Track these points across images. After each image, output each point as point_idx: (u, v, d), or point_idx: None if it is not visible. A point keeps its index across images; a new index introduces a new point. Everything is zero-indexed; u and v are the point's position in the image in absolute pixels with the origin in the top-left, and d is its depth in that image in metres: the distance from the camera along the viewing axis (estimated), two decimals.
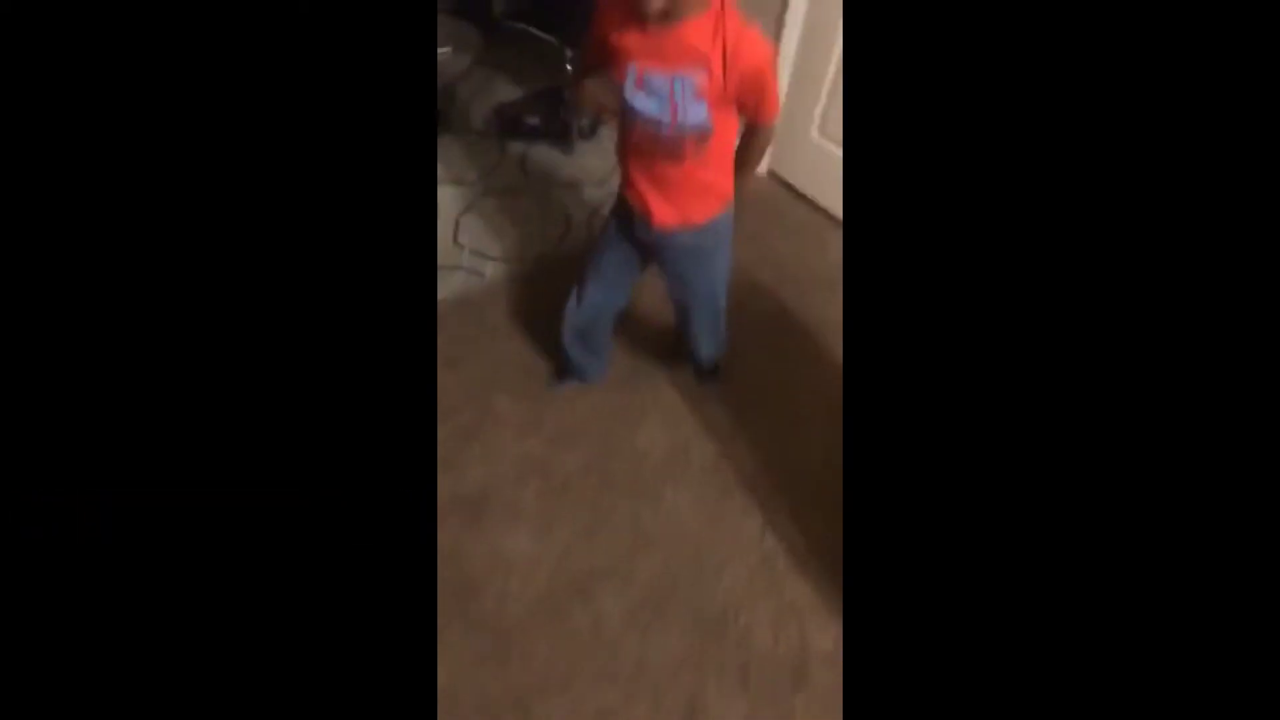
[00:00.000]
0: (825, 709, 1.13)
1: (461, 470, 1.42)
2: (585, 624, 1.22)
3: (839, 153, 1.93)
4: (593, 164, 2.22)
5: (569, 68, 2.17)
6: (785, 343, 1.71)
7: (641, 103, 0.98)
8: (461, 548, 1.30)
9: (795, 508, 1.40)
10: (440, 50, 1.97)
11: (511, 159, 2.22)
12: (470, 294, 1.80)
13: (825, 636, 1.21)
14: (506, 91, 2.43)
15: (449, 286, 1.81)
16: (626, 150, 1.11)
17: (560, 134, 2.26)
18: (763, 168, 2.16)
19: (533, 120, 2.28)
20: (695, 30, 0.92)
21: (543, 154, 2.24)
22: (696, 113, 0.97)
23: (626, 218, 1.20)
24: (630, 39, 0.96)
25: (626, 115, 1.03)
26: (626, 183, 1.16)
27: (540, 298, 1.77)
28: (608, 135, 2.31)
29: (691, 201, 1.12)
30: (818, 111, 1.94)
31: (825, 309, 1.76)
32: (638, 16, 0.93)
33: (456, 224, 1.99)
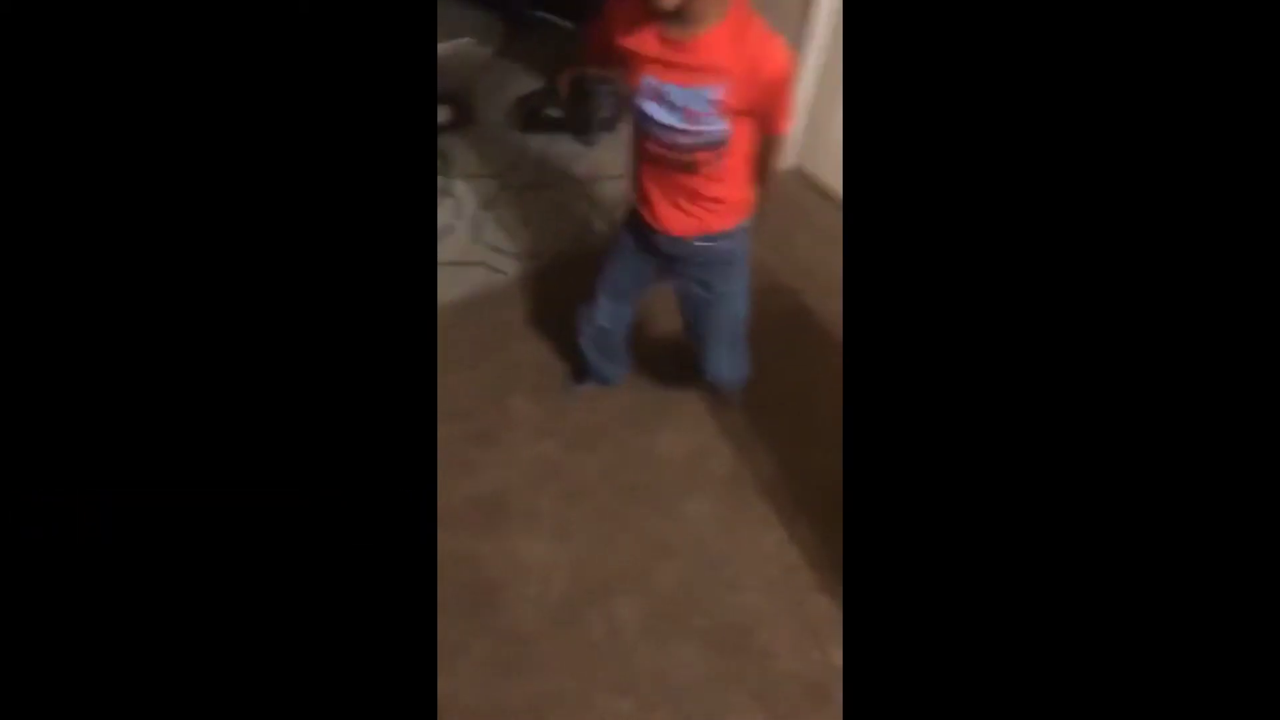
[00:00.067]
0: None
1: (478, 473, 1.41)
2: (602, 634, 1.21)
3: None
4: (614, 157, 2.18)
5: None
6: (808, 347, 1.67)
7: (657, 113, 0.95)
8: (477, 552, 1.29)
9: (816, 519, 1.37)
10: (461, 41, 1.93)
11: (532, 152, 2.19)
12: (489, 291, 1.78)
13: None
14: (528, 83, 2.39)
15: (467, 284, 1.79)
16: (640, 160, 1.07)
17: (582, 126, 2.22)
18: (790, 162, 2.10)
19: (554, 112, 2.25)
20: (714, 40, 0.88)
21: (564, 147, 2.21)
22: (714, 124, 0.94)
23: (638, 228, 1.16)
24: (645, 47, 0.92)
25: (640, 125, 0.99)
26: (639, 192, 1.12)
27: (560, 296, 1.74)
28: (629, 127, 2.26)
29: (706, 212, 1.08)
30: None
31: None
32: (652, 20, 0.89)
33: (476, 219, 1.96)
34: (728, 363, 1.33)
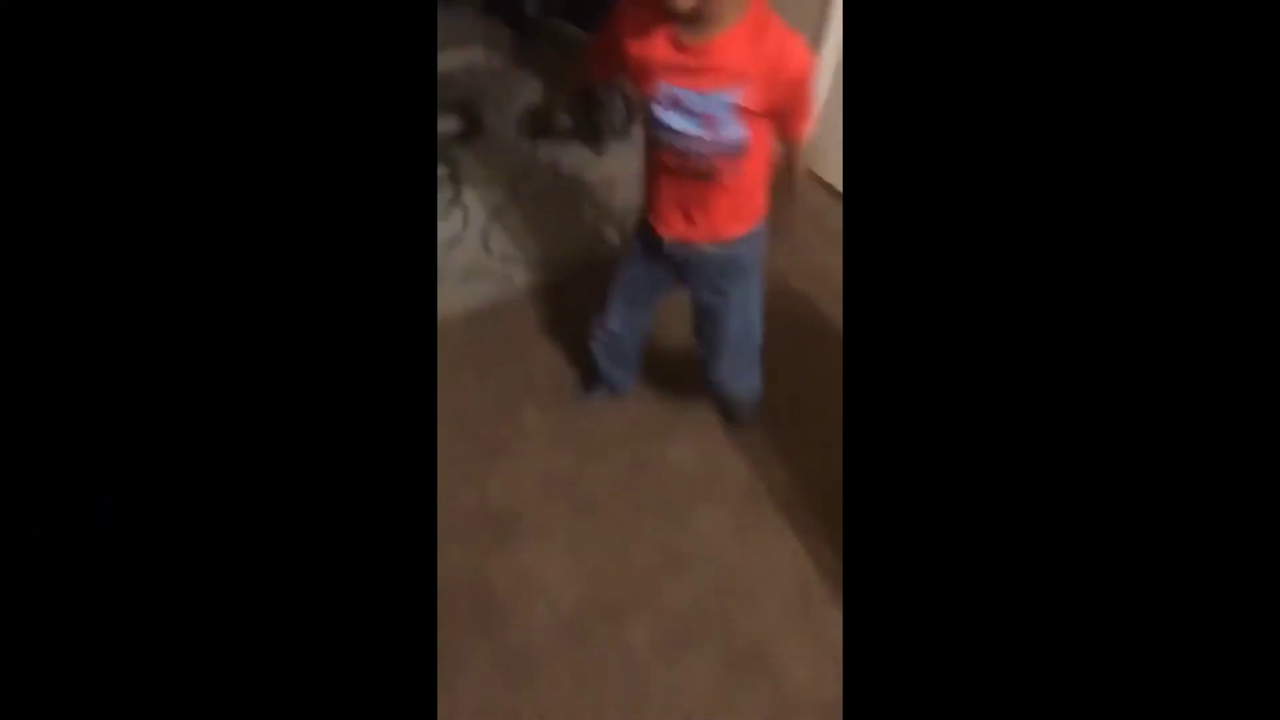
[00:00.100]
0: None
1: (488, 486, 1.40)
2: (613, 652, 1.19)
3: None
4: (625, 165, 2.16)
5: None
6: (822, 353, 1.64)
7: (674, 122, 0.92)
8: (488, 567, 1.28)
9: (833, 533, 1.34)
10: (471, 50, 1.93)
11: (542, 161, 2.18)
12: (500, 302, 1.77)
13: None
14: (537, 91, 2.38)
15: (478, 294, 1.78)
16: (653, 169, 1.05)
17: (592, 134, 2.21)
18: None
19: (564, 121, 2.24)
20: (731, 42, 0.85)
21: (575, 155, 2.20)
22: (733, 131, 0.91)
23: (648, 235, 1.14)
24: (658, 53, 0.89)
25: (655, 134, 0.97)
26: (650, 201, 1.10)
27: (572, 305, 1.73)
28: (640, 135, 2.25)
29: (720, 219, 1.05)
30: None
31: None
32: (665, 24, 0.86)
33: (486, 229, 1.96)
34: (739, 375, 1.29)
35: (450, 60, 1.95)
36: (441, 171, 2.10)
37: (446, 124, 2.17)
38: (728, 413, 1.46)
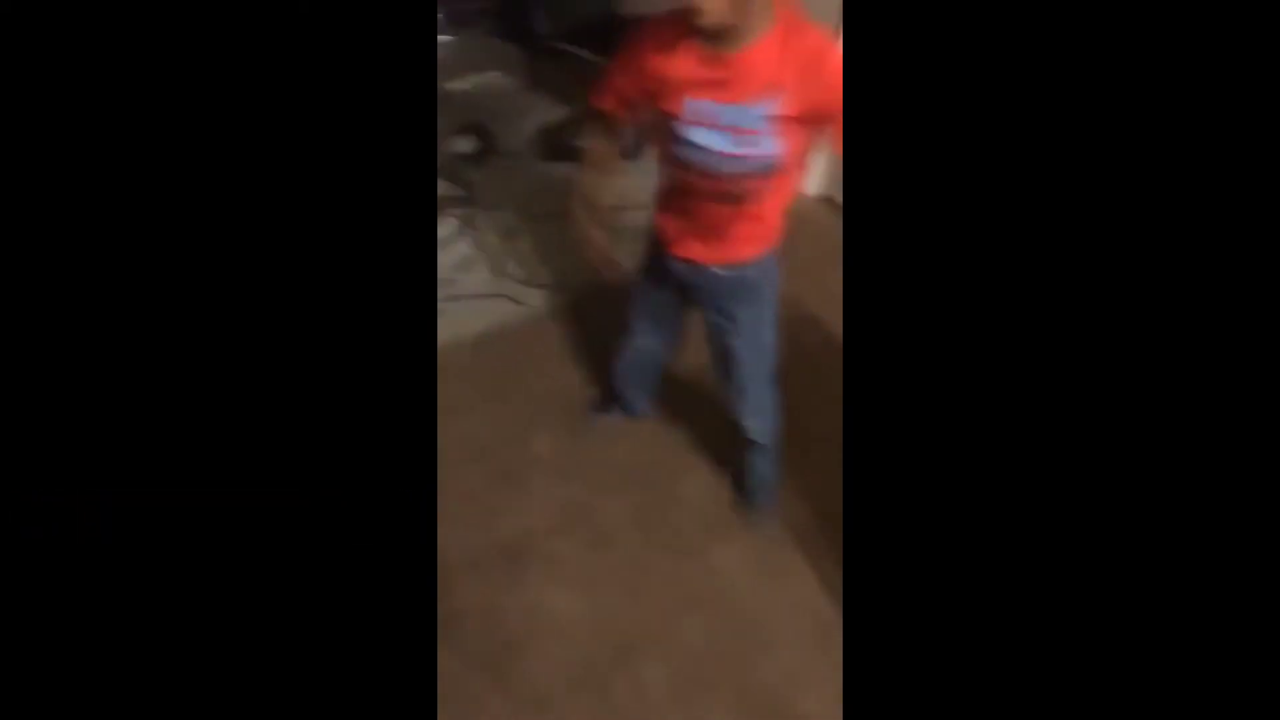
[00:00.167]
0: None
1: (499, 518, 1.36)
2: (627, 695, 1.15)
3: None
4: (639, 186, 2.15)
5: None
6: (840, 383, 1.60)
7: (705, 140, 0.88)
8: (499, 604, 1.24)
9: None
10: (485, 73, 1.93)
11: (556, 182, 2.17)
12: (513, 324, 1.75)
13: None
14: (551, 113, 2.38)
15: (491, 316, 1.77)
16: (674, 191, 1.02)
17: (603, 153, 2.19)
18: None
19: (578, 142, 2.23)
20: (763, 51, 0.82)
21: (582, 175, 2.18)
22: (768, 145, 0.87)
23: (657, 256, 1.12)
24: (687, 70, 0.86)
25: (681, 155, 0.93)
26: (665, 222, 1.07)
27: (586, 328, 1.71)
28: (653, 156, 2.24)
29: (736, 242, 1.02)
30: None
31: None
32: (691, 40, 0.83)
33: (500, 250, 1.95)
34: (754, 403, 1.24)
35: (464, 83, 1.95)
36: (455, 193, 2.09)
37: (460, 145, 2.17)
38: (745, 491, 1.39)
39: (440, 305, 1.77)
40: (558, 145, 2.23)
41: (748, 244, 1.03)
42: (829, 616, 1.24)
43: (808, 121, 0.87)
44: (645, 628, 1.22)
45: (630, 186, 2.15)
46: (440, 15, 2.00)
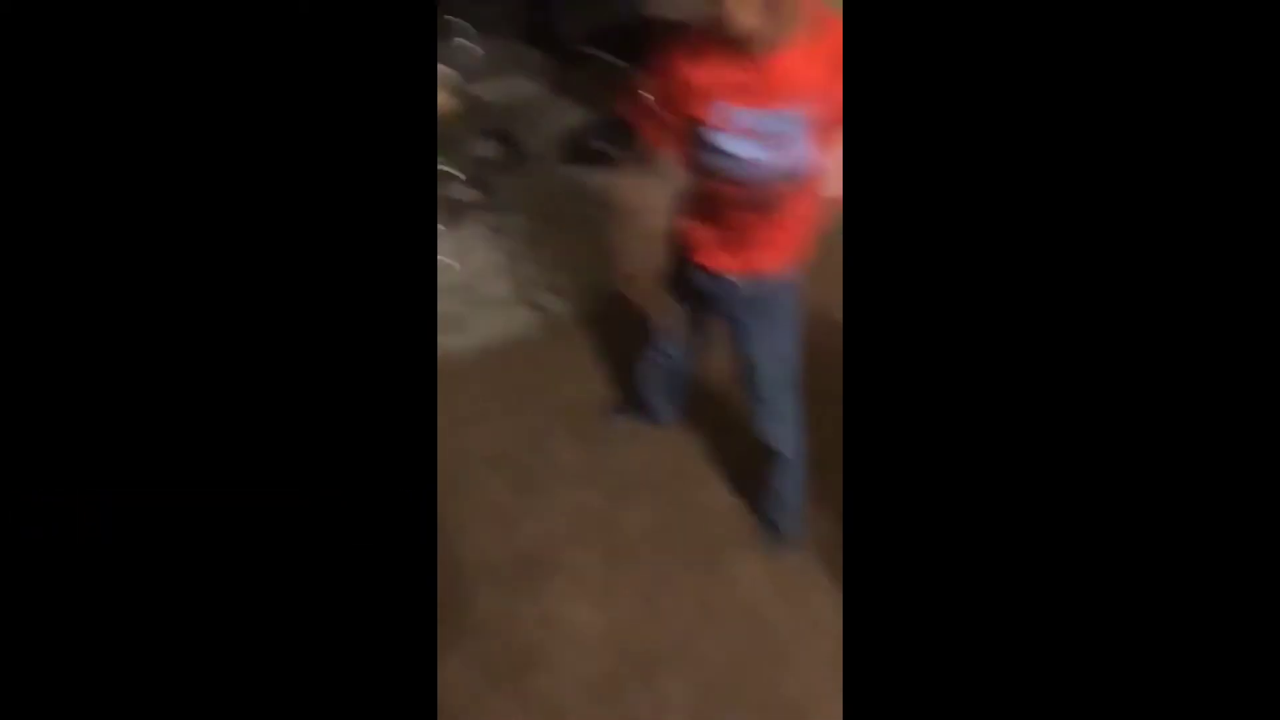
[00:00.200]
0: None
1: (518, 525, 1.36)
2: (646, 709, 1.13)
3: None
4: (661, 188, 2.13)
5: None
6: None
7: (738, 148, 0.86)
8: (515, 613, 1.24)
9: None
10: (511, 79, 1.94)
11: (581, 187, 2.17)
12: (533, 332, 1.75)
13: None
14: (575, 116, 2.38)
15: (510, 323, 1.77)
16: (699, 198, 1.00)
17: (630, 160, 2.19)
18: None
19: (601, 147, 2.22)
20: (797, 55, 0.80)
21: (611, 181, 2.18)
22: (802, 151, 0.85)
23: (685, 265, 1.10)
24: (714, 75, 0.84)
25: (712, 163, 0.90)
26: (690, 230, 1.05)
27: (607, 336, 1.70)
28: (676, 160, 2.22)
29: (762, 252, 1.00)
30: None
31: None
32: (724, 46, 0.81)
33: (523, 256, 1.95)
34: (775, 416, 1.20)
35: (490, 89, 1.95)
36: (480, 198, 2.10)
37: (485, 150, 2.18)
38: (768, 508, 1.34)
39: (462, 311, 1.78)
40: (582, 149, 2.23)
41: (772, 253, 1.01)
42: None
43: (838, 127, 0.85)
44: (665, 642, 1.21)
45: (650, 189, 2.14)
46: (464, 21, 2.01)
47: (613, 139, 2.22)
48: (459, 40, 1.99)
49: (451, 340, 1.72)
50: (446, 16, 2.15)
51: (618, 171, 2.18)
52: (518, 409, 1.56)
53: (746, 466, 1.44)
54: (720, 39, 0.80)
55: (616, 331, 1.70)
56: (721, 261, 1.03)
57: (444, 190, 2.06)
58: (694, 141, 0.90)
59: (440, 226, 2.00)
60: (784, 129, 0.84)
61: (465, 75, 1.86)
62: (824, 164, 0.89)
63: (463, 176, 2.07)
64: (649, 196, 2.08)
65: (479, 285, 1.86)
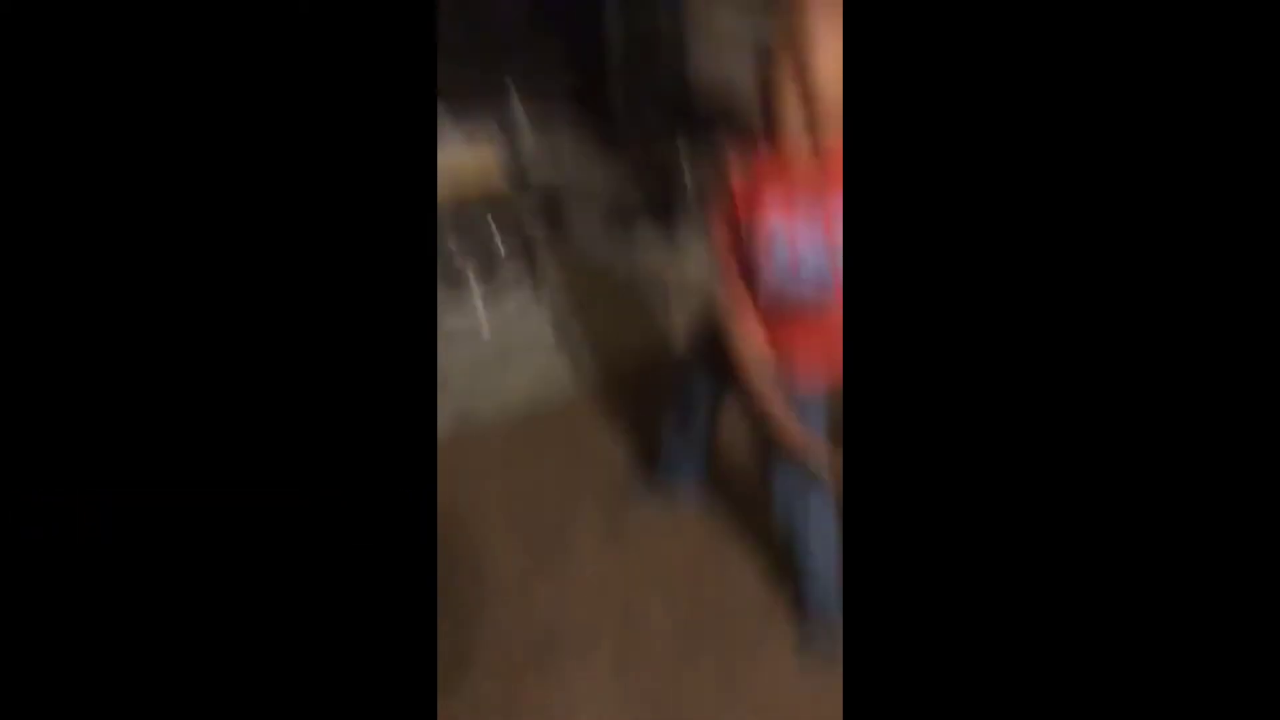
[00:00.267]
0: None
1: (533, 599, 1.31)
2: None
3: None
4: (701, 265, 2.13)
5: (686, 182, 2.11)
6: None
7: (790, 257, 0.85)
8: (521, 697, 1.17)
9: None
10: (557, 138, 1.99)
11: (620, 257, 2.19)
12: (567, 395, 1.74)
13: None
14: (622, 194, 2.43)
15: (547, 386, 1.76)
16: (752, 299, 0.96)
17: (664, 210, 2.20)
18: None
19: (645, 224, 2.25)
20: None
21: (650, 246, 2.19)
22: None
23: (720, 347, 1.06)
24: (774, 191, 0.84)
25: (762, 271, 0.89)
26: (733, 319, 1.02)
27: (638, 405, 1.67)
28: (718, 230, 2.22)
29: (805, 361, 0.96)
30: None
31: None
32: (781, 162, 0.82)
33: (560, 321, 1.96)
34: (799, 518, 1.10)
35: (536, 148, 2.01)
36: (520, 262, 2.14)
37: (532, 221, 2.24)
38: (797, 611, 1.25)
39: (495, 374, 1.79)
40: (627, 226, 2.26)
41: (811, 361, 0.96)
42: None
43: None
44: None
45: (695, 259, 2.13)
46: (517, 100, 2.09)
47: (657, 218, 2.25)
48: (512, 114, 2.08)
49: (483, 405, 1.72)
50: (502, 84, 2.25)
51: (660, 249, 2.19)
52: (542, 476, 1.54)
53: (776, 559, 1.36)
54: (772, 153, 0.81)
55: (648, 405, 1.66)
56: (758, 355, 0.99)
57: (486, 260, 2.12)
58: (749, 250, 0.89)
59: (480, 292, 2.04)
60: (832, 241, 0.82)
61: (517, 151, 1.93)
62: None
63: (504, 249, 2.12)
64: (689, 274, 2.08)
65: (514, 348, 1.88)
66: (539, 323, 1.95)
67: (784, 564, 1.22)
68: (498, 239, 2.08)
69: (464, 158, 1.90)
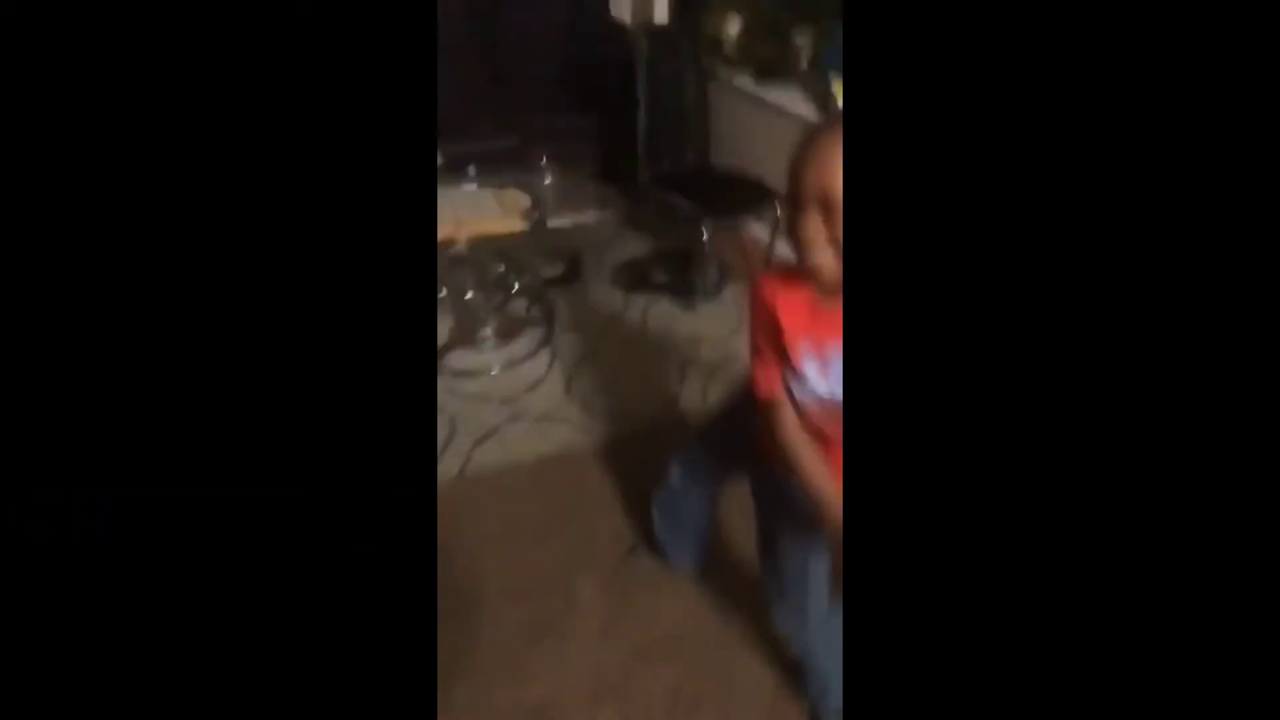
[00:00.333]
0: None
1: (526, 676, 1.21)
2: None
3: None
4: (715, 324, 2.15)
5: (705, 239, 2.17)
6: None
7: (822, 386, 0.83)
8: None
9: None
10: (584, 213, 2.05)
11: (634, 312, 2.21)
12: (573, 451, 1.69)
13: None
14: (637, 245, 2.49)
15: (551, 441, 1.72)
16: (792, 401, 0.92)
17: (686, 290, 2.24)
18: None
19: (660, 277, 2.29)
20: None
21: (665, 310, 2.21)
22: None
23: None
24: (801, 320, 0.82)
25: (796, 396, 0.86)
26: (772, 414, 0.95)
27: (647, 465, 1.62)
28: (731, 296, 2.27)
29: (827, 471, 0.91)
30: None
31: None
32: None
33: (571, 374, 1.94)
34: (797, 616, 1.03)
35: (559, 214, 2.07)
36: (535, 313, 2.15)
37: (547, 270, 2.27)
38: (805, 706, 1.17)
39: (501, 426, 1.75)
40: (640, 277, 2.30)
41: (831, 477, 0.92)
42: None
43: None
44: None
45: (708, 322, 2.15)
46: (544, 159, 2.18)
47: (670, 271, 2.29)
48: (535, 170, 2.15)
49: (487, 453, 1.67)
50: (524, 147, 2.35)
51: (673, 303, 2.22)
52: (543, 537, 1.46)
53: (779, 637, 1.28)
54: (805, 286, 0.81)
55: (653, 462, 1.62)
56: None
57: (503, 303, 2.13)
58: (783, 378, 0.87)
59: (493, 338, 2.04)
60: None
61: (536, 201, 1.98)
62: None
63: (521, 294, 2.14)
64: (701, 329, 2.10)
65: (521, 399, 1.85)
66: (549, 370, 1.93)
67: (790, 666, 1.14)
68: (513, 287, 2.10)
69: (490, 213, 1.94)
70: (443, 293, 1.95)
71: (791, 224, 0.75)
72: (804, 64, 2.33)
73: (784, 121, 2.22)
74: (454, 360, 1.96)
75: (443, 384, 1.86)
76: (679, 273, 2.27)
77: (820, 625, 1.02)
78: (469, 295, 2.01)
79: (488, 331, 2.04)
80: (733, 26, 2.49)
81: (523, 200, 1.97)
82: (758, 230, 2.39)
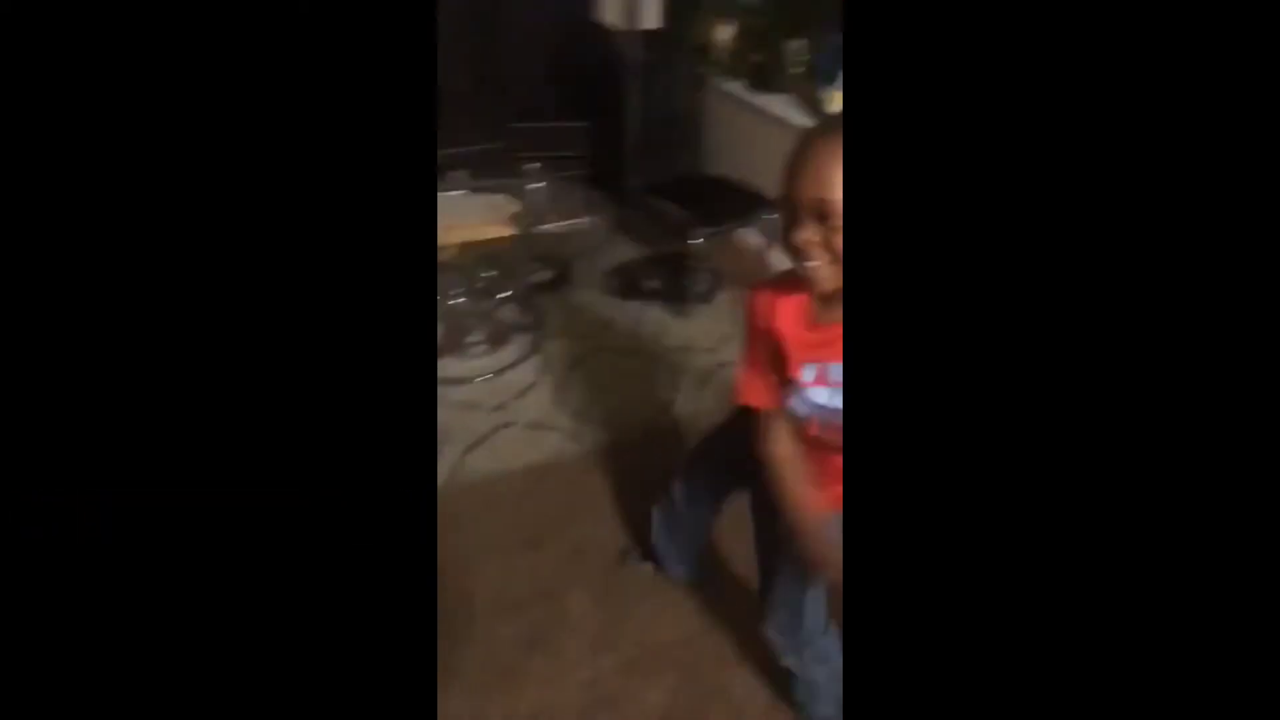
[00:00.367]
0: None
1: (520, 689, 1.19)
2: None
3: None
4: (706, 329, 2.14)
5: (695, 243, 2.17)
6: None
7: (821, 398, 0.82)
8: None
9: None
10: (574, 219, 2.04)
11: (625, 318, 2.20)
12: (565, 460, 1.67)
13: None
14: (628, 252, 2.48)
15: (541, 449, 1.70)
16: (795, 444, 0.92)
17: (677, 297, 2.23)
18: None
19: (652, 283, 2.28)
20: None
21: (657, 315, 2.21)
22: None
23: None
24: (798, 332, 0.82)
25: (795, 411, 0.85)
26: (765, 432, 0.94)
27: (641, 472, 1.61)
28: (722, 302, 2.26)
29: (826, 488, 0.91)
30: None
31: None
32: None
33: (561, 381, 1.93)
34: (790, 628, 1.01)
35: (552, 227, 2.06)
36: (524, 318, 2.13)
37: (537, 274, 2.25)
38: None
39: (491, 433, 1.73)
40: (631, 283, 2.29)
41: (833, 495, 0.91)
42: None
43: None
44: None
45: (699, 329, 2.15)
46: (536, 164, 2.17)
47: (661, 277, 2.28)
48: (525, 175, 2.14)
49: (477, 460, 1.65)
50: (514, 152, 2.33)
51: (664, 309, 2.22)
52: (535, 547, 1.45)
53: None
54: (801, 296, 0.80)
55: (645, 470, 1.61)
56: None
57: (493, 309, 2.11)
58: (783, 391, 0.87)
59: (483, 345, 2.02)
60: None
61: (527, 207, 1.97)
62: None
63: (512, 296, 2.12)
64: (693, 336, 2.09)
65: (511, 406, 1.83)
66: (538, 374, 1.91)
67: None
68: (504, 291, 2.08)
69: (479, 218, 1.93)
70: None
71: (787, 231, 0.74)
72: (795, 71, 2.34)
73: (775, 128, 2.23)
74: (443, 367, 1.93)
75: None
76: (670, 279, 2.26)
77: (814, 641, 1.01)
78: (459, 301, 1.99)
79: (477, 338, 2.02)
80: (725, 33, 2.50)
81: (513, 206, 1.96)
82: (751, 237, 2.39)
